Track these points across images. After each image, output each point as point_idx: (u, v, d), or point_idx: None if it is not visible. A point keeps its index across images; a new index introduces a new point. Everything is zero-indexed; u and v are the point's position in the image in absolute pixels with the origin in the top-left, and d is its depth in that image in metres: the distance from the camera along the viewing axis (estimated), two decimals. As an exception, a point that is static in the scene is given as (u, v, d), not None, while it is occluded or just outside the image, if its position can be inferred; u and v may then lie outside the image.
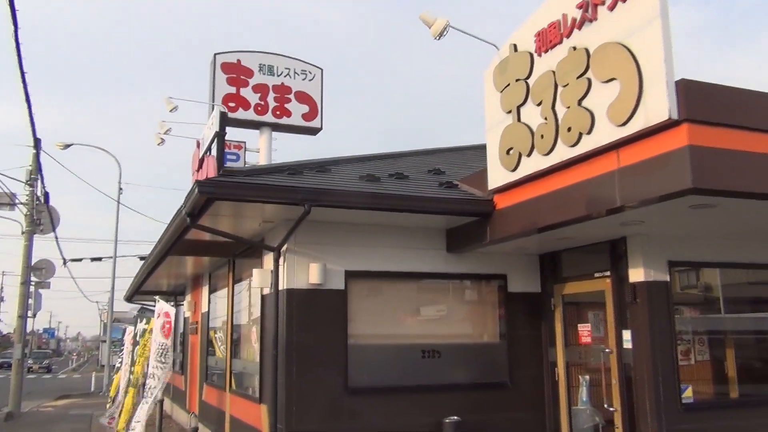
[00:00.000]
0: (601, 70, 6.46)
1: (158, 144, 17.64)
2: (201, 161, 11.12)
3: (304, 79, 18.19)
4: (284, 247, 8.56)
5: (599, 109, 6.46)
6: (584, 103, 6.68)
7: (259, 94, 17.48)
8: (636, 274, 8.14)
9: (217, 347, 13.13)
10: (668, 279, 8.15)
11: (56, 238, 26.77)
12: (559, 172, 7.09)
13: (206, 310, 14.33)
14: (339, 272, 8.77)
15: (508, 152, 7.93)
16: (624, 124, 6.14)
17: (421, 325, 9.42)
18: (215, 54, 17.26)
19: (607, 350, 8.50)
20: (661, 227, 7.76)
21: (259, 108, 17.59)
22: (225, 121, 11.33)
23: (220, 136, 9.12)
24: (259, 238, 9.46)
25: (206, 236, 9.51)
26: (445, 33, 7.78)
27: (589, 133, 6.58)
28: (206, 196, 7.27)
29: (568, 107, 6.90)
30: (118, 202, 27.70)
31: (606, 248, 8.66)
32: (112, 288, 30.02)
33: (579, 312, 9.37)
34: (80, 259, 32.83)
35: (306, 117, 17.63)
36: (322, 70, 18.40)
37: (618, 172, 6.31)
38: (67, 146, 27.06)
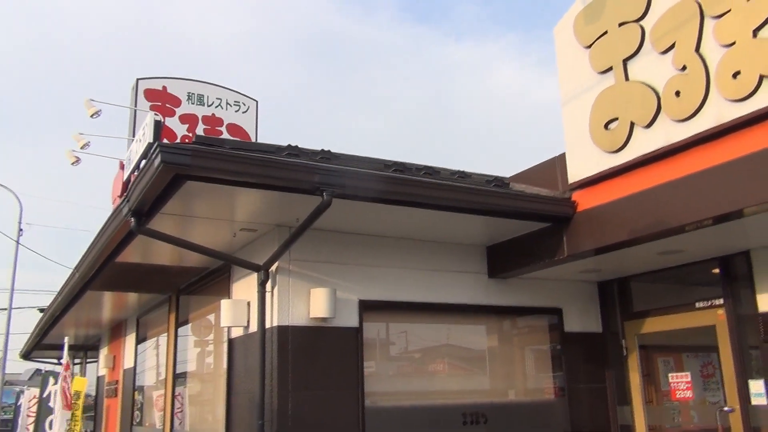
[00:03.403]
0: (801, -22, 4.26)
1: (72, 163, 14.41)
2: (126, 183, 8.63)
3: (237, 111, 16.16)
4: (274, 266, 5.82)
5: (799, 37, 4.23)
6: (764, 32, 4.44)
7: (187, 125, 15.25)
8: (769, 302, 5.86)
9: (149, 414, 9.92)
10: (814, 308, 5.91)
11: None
12: (713, 141, 4.77)
13: (131, 365, 11.09)
14: (352, 303, 6.07)
15: (607, 126, 5.59)
16: None
17: (459, 377, 6.79)
18: (138, 79, 14.80)
19: (726, 409, 6.10)
20: (809, 234, 5.56)
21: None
22: (160, 129, 9.02)
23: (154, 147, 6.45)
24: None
25: (138, 258, 6.69)
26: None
27: (780, 75, 4.32)
28: (175, 170, 4.47)
29: (732, 44, 4.65)
30: (17, 242, 23.67)
31: (712, 268, 6.39)
32: (6, 344, 25.54)
33: (665, 357, 7.00)
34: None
35: (238, 151, 15.33)
36: (257, 101, 16.36)
37: (842, 129, 4.04)
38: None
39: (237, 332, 6.39)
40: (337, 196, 5.00)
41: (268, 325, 5.77)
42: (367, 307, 6.14)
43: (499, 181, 6.52)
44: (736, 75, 4.59)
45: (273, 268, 5.83)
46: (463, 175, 6.72)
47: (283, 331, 5.70)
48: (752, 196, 4.51)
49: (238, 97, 16.29)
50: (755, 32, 4.49)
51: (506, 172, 7.47)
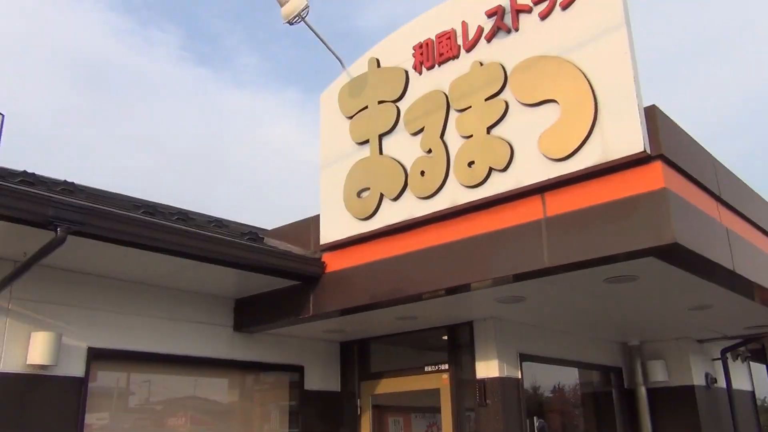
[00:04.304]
0: (527, 90, 4.93)
1: None
2: None
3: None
4: (-10, 303, 5.17)
5: (522, 138, 4.87)
6: (496, 130, 5.05)
7: None
8: (486, 369, 6.48)
9: None
10: (520, 376, 6.64)
11: None
12: (449, 220, 5.23)
13: None
14: (79, 350, 5.58)
15: (359, 194, 5.88)
16: (567, 158, 4.60)
17: (200, 431, 6.51)
18: None
19: (442, 468, 6.57)
20: (520, 311, 6.31)
21: None
22: None
23: None
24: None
25: None
26: (296, 20, 5.63)
27: (504, 169, 4.91)
28: None
29: (469, 136, 5.20)
30: None
31: (441, 335, 6.94)
32: None
33: (396, 416, 7.36)
34: None
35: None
36: (3, 115, 14.80)
37: (547, 222, 4.68)
38: None
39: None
40: (74, 233, 4.62)
41: (-27, 370, 5.06)
42: (97, 356, 5.67)
43: (253, 235, 6.50)
44: (470, 164, 5.12)
45: (-11, 305, 5.18)
46: (219, 224, 6.62)
47: (-9, 378, 5.04)
48: (476, 273, 5.01)
49: (-23, 107, 14.64)
50: (489, 129, 5.07)
51: (268, 224, 7.51)
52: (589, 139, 4.52)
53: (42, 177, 5.71)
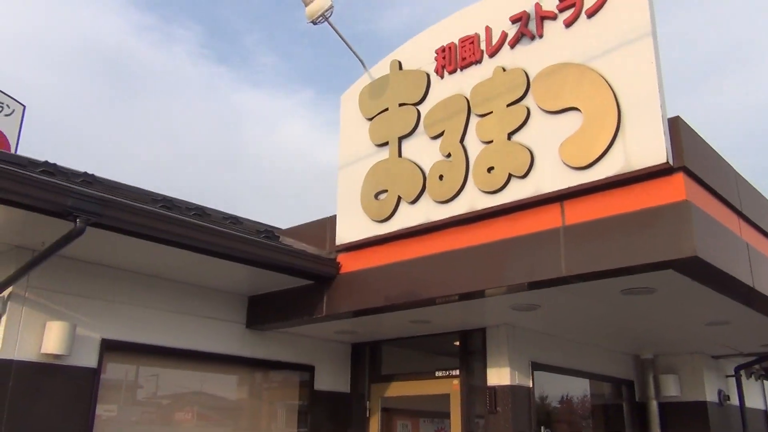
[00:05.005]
0: (549, 97, 4.90)
1: None
2: None
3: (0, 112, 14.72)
4: (7, 291, 5.20)
5: (542, 146, 4.84)
6: (516, 137, 5.02)
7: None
8: (497, 376, 6.44)
9: None
10: (531, 385, 6.59)
11: None
12: (466, 225, 5.21)
13: None
14: (93, 341, 5.61)
15: (377, 196, 5.88)
16: (588, 166, 4.56)
17: (206, 427, 6.51)
18: None
19: (449, 474, 6.53)
20: (534, 319, 6.27)
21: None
22: None
23: None
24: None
25: None
26: (320, 20, 5.64)
27: (524, 176, 4.88)
28: None
29: (490, 141, 5.17)
30: None
31: (453, 340, 6.91)
32: None
33: (404, 420, 7.34)
34: None
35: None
36: (24, 106, 15.04)
37: (566, 231, 4.64)
38: None
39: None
40: (93, 224, 4.64)
41: (-11, 357, 5.10)
42: (110, 347, 5.70)
43: (269, 233, 6.52)
44: (490, 170, 5.09)
45: (5, 293, 5.22)
46: (235, 221, 6.64)
47: (5, 365, 5.07)
48: (492, 279, 4.98)
49: (2, 98, 14.85)
50: (510, 135, 5.05)
51: (279, 223, 7.52)
52: (612, 148, 4.48)
53: (62, 168, 5.75)
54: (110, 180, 6.20)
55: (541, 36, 5.09)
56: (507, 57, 5.26)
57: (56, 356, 5.30)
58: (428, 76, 5.79)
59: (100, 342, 5.64)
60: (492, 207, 5.03)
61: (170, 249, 5.28)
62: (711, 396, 8.20)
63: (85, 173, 5.66)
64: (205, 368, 6.60)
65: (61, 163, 5.82)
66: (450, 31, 5.73)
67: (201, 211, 6.05)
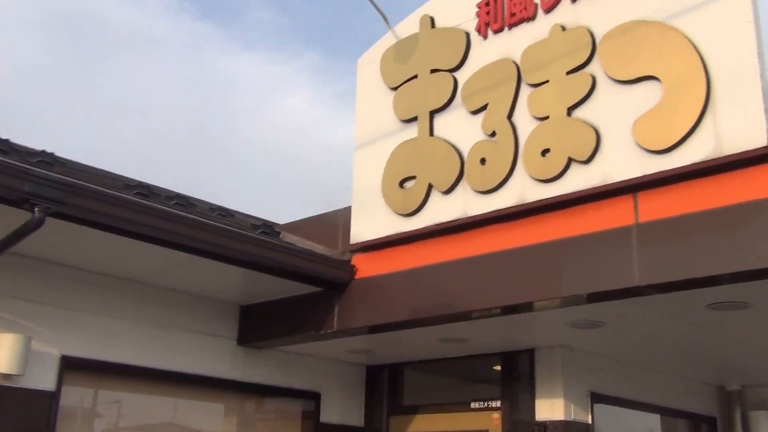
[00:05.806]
0: (621, 62, 4.91)
1: None
2: None
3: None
4: (-52, 296, 5.29)
5: (611, 124, 4.85)
6: (579, 112, 5.03)
7: None
8: (548, 409, 6.47)
9: None
10: (590, 420, 6.62)
11: None
12: (513, 221, 5.24)
13: None
14: (51, 358, 5.69)
15: (402, 184, 5.91)
16: (669, 150, 4.57)
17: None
18: None
19: None
20: (596, 339, 6.29)
21: None
22: None
23: None
24: None
25: None
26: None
27: (588, 161, 4.89)
28: None
29: (545, 117, 5.19)
30: None
31: (493, 364, 6.96)
32: None
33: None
34: None
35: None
36: None
37: (639, 230, 4.65)
38: None
39: None
40: (53, 214, 4.69)
41: (-77, 376, 5.19)
42: (71, 366, 5.78)
43: (267, 228, 6.58)
44: (545, 153, 5.12)
45: (-54, 299, 5.30)
46: (225, 213, 6.70)
47: (-56, 388, 5.16)
48: (544, 289, 5.01)
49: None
50: (570, 110, 5.06)
51: (278, 218, 7.57)
52: (699, 127, 4.50)
53: (16, 145, 5.83)
54: (74, 161, 6.27)
55: (610, -14, 5.09)
56: (567, 12, 5.29)
57: (6, 376, 5.37)
58: (468, 35, 5.84)
59: (59, 359, 5.71)
60: (546, 199, 5.08)
61: (147, 246, 5.33)
62: (813, 438, 8.20)
63: (43, 152, 5.73)
64: (187, 394, 6.68)
65: (13, 139, 5.91)
66: (496, -21, 5.74)
67: (184, 201, 6.12)
